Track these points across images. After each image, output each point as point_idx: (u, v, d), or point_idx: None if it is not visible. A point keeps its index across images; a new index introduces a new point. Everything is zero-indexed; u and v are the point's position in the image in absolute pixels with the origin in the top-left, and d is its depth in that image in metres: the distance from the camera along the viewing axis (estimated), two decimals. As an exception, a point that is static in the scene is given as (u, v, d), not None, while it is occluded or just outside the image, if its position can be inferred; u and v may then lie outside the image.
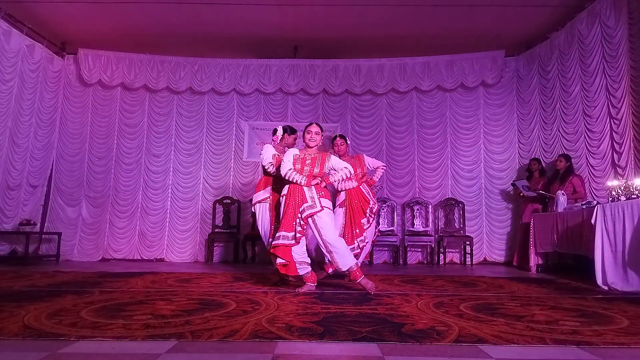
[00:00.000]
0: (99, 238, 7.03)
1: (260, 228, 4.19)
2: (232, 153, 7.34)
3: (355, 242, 4.25)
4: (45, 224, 6.95)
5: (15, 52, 6.10)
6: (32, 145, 6.62)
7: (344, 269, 3.60)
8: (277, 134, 4.31)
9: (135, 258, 6.99)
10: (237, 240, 6.88)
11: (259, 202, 4.17)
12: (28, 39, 6.35)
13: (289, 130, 4.35)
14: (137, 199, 7.16)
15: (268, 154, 4.15)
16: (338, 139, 4.60)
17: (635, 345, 1.97)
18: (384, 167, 4.66)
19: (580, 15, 5.79)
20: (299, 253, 3.63)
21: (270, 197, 4.12)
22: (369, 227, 4.22)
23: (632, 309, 2.83)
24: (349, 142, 4.73)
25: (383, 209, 6.92)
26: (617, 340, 2.05)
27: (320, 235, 3.63)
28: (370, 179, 4.47)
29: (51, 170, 7.07)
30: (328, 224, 3.65)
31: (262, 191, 4.17)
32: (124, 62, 7.23)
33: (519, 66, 7.17)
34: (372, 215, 4.24)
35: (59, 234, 6.67)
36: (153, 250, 7.05)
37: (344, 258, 3.60)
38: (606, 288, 3.78)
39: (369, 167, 4.52)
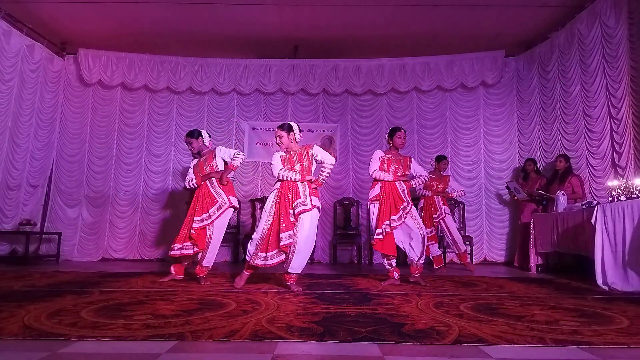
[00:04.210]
0: (99, 238, 7.03)
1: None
2: (232, 153, 7.34)
3: (382, 228, 4.16)
4: (45, 224, 6.95)
5: (15, 52, 6.10)
6: (32, 145, 6.61)
7: (291, 271, 3.69)
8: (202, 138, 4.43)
9: (135, 258, 6.99)
10: (237, 240, 6.88)
11: None
12: (28, 39, 6.35)
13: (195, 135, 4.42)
14: (137, 199, 7.16)
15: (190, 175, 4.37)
16: (402, 131, 4.41)
17: (635, 345, 1.97)
18: (426, 178, 4.61)
19: (580, 15, 5.79)
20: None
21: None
22: (400, 223, 4.15)
23: (632, 309, 2.83)
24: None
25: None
26: (617, 340, 2.05)
27: (295, 232, 3.69)
28: (407, 181, 4.41)
29: (51, 170, 7.06)
30: (308, 224, 3.71)
31: None
32: (124, 62, 7.23)
33: (519, 66, 7.16)
34: (405, 215, 4.16)
35: (59, 234, 6.67)
36: (153, 250, 7.05)
37: (301, 262, 3.71)
38: (606, 288, 3.78)
39: (412, 172, 4.45)
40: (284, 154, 3.90)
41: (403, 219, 4.17)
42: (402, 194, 4.23)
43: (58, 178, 7.10)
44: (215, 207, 4.13)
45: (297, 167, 3.80)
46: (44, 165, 6.92)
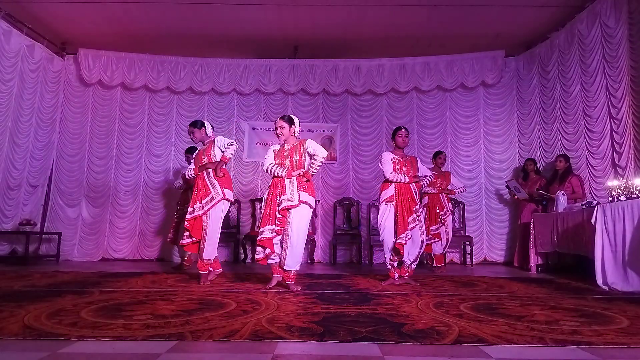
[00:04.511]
0: (99, 238, 7.03)
1: None
2: (232, 153, 7.33)
3: (402, 235, 4.10)
4: (45, 224, 6.95)
5: (15, 52, 6.10)
6: (32, 145, 6.62)
7: (287, 268, 3.68)
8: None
9: (135, 258, 6.99)
10: (237, 240, 6.88)
11: None
12: (28, 39, 6.35)
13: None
14: (137, 199, 7.16)
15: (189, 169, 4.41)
16: (402, 130, 4.38)
17: (635, 345, 1.97)
18: (431, 178, 4.63)
19: (580, 15, 5.79)
20: (277, 243, 3.72)
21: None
22: (414, 226, 4.15)
23: (632, 309, 2.83)
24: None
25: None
26: (617, 340, 2.05)
27: (286, 228, 3.69)
28: (418, 182, 4.42)
29: (51, 170, 7.07)
30: (299, 219, 3.70)
31: None
32: (124, 62, 7.23)
33: (519, 66, 7.16)
34: (418, 217, 4.18)
35: (59, 234, 6.67)
36: (153, 250, 7.05)
37: (295, 258, 3.69)
38: (606, 288, 3.78)
39: (419, 173, 4.44)
40: (278, 147, 3.90)
41: (417, 222, 4.18)
42: (414, 196, 4.25)
43: (58, 178, 7.10)
44: (208, 198, 4.11)
45: (287, 162, 3.78)
46: (44, 165, 6.92)
